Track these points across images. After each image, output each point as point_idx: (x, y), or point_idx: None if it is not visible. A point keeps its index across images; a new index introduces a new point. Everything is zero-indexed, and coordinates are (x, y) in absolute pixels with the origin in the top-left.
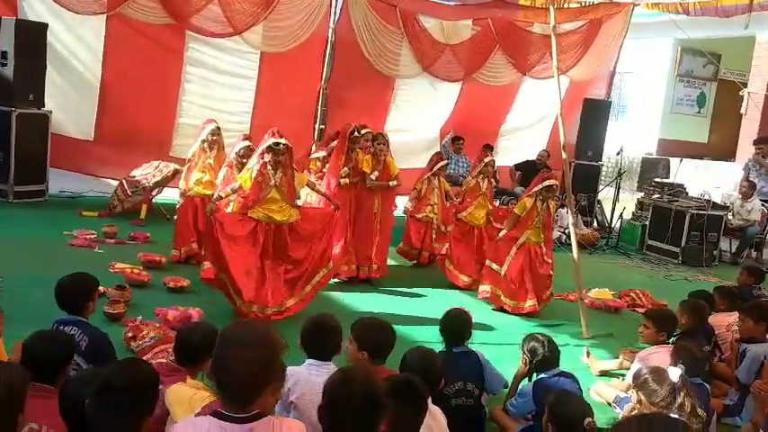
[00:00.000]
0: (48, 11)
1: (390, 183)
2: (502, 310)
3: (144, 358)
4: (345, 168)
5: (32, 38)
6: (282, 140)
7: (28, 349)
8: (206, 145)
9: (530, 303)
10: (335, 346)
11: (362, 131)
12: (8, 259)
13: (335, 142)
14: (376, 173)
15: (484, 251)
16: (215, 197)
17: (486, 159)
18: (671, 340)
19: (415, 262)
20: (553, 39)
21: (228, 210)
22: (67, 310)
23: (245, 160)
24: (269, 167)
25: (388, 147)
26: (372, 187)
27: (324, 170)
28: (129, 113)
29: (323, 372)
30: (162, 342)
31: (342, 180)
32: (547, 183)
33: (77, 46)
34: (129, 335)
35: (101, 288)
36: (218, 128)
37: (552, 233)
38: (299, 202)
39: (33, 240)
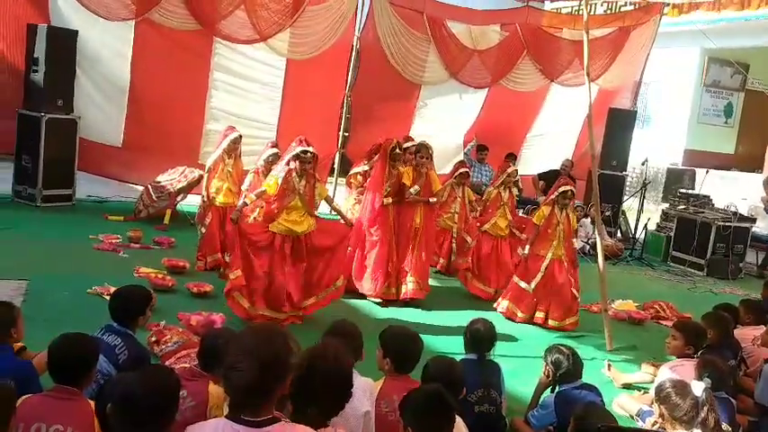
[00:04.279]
0: (78, 17)
1: (431, 199)
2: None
3: (167, 363)
4: (386, 186)
5: (63, 44)
6: (310, 149)
7: (53, 351)
8: (225, 153)
9: (539, 315)
10: (356, 352)
11: (407, 145)
12: (35, 262)
13: (377, 156)
14: (416, 187)
15: (506, 262)
16: (240, 203)
17: (509, 170)
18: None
19: (436, 269)
20: (585, 43)
21: (254, 216)
22: (118, 321)
23: (272, 167)
24: (294, 175)
25: (431, 159)
26: (411, 200)
27: (365, 185)
28: (158, 120)
29: None
30: (185, 347)
31: (385, 200)
32: (562, 188)
33: (107, 52)
34: (153, 339)
35: None
36: (240, 136)
37: (574, 250)
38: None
39: (60, 244)
